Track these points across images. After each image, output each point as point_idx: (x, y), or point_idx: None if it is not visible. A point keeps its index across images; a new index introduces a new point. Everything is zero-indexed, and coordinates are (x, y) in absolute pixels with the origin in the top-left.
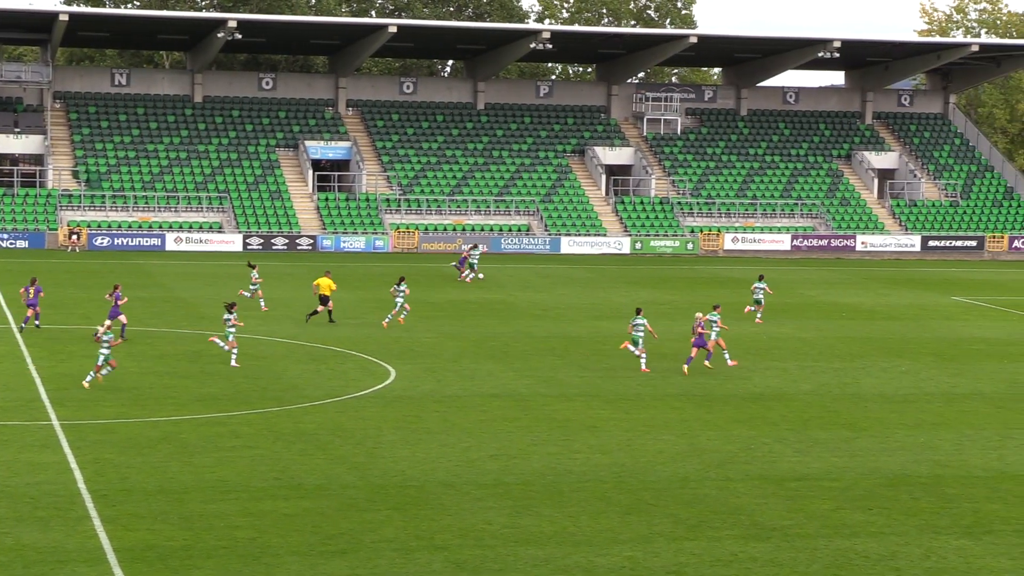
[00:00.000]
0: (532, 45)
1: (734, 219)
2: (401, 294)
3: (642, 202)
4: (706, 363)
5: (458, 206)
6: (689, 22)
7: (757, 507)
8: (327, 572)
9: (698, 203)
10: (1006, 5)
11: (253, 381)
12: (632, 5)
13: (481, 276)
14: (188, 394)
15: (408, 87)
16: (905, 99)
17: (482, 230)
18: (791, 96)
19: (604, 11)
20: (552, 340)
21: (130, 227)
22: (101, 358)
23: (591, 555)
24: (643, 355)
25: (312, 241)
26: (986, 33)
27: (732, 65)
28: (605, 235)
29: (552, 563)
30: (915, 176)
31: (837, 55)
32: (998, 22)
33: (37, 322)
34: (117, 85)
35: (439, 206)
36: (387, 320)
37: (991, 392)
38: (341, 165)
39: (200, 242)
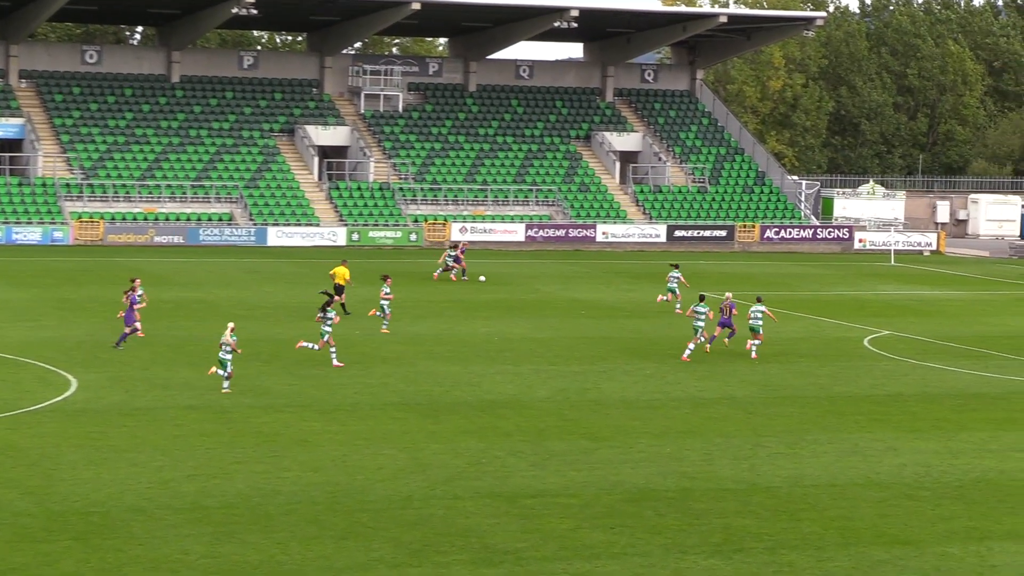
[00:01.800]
0: (234, 10)
1: (462, 207)
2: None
3: (359, 188)
4: (727, 341)
5: (150, 192)
6: None
7: (488, 528)
8: None
9: (422, 189)
10: None
11: None
12: None
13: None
14: None
15: (91, 56)
16: (649, 75)
17: (177, 219)
18: (525, 70)
19: None
20: (258, 343)
21: None
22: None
23: None
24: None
25: None
26: (735, 4)
27: (459, 35)
28: (318, 225)
29: None
30: (660, 159)
31: (575, 25)
32: None
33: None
34: None
35: (128, 192)
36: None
37: (742, 396)
38: (13, 145)
39: None
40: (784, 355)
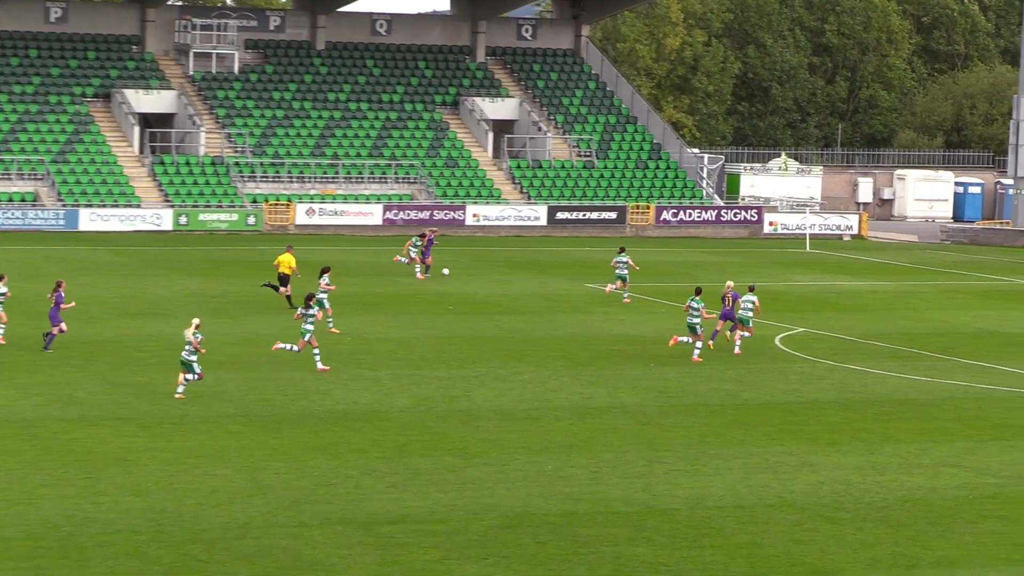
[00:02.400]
0: None
1: (309, 185)
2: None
3: (188, 163)
4: (729, 334)
5: None
6: None
7: (340, 561)
8: None
9: (262, 164)
10: None
11: None
12: None
13: (413, 266)
14: None
15: None
16: (527, 31)
17: None
18: (382, 25)
19: None
20: (71, 346)
21: None
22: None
23: None
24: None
25: None
26: None
27: None
28: (139, 206)
29: None
30: (540, 130)
31: None
32: None
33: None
34: None
35: None
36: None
37: (634, 405)
38: None
39: None
40: (683, 357)
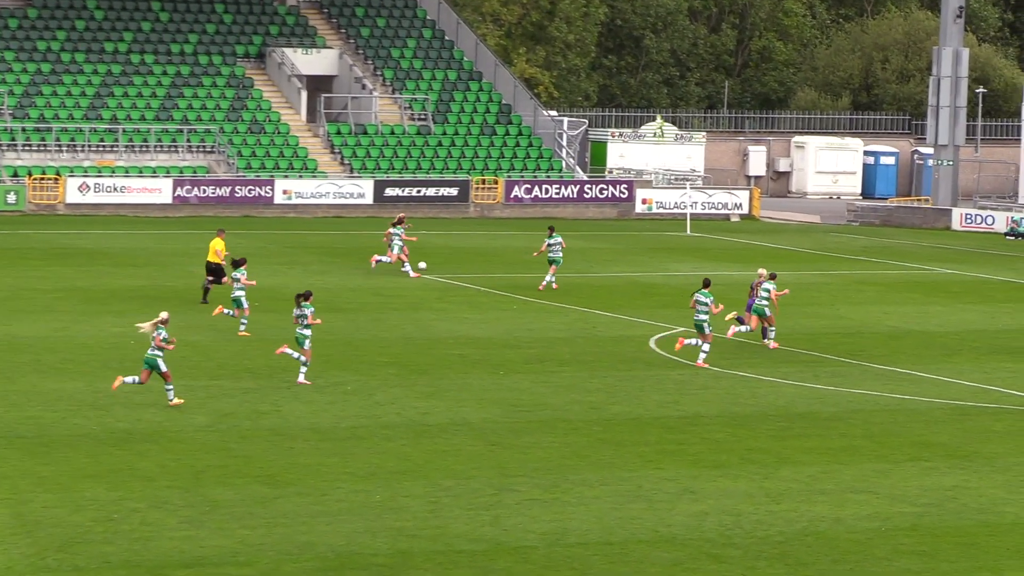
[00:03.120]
0: None
1: (82, 156)
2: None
3: None
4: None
5: None
6: None
7: None
8: None
9: (24, 131)
10: None
11: None
12: None
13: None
14: None
15: None
16: None
17: None
18: None
19: None
20: None
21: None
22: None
23: None
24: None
25: None
26: None
27: None
28: None
29: None
30: (364, 88)
31: None
32: None
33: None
34: None
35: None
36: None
37: (481, 421)
38: None
39: None
40: (540, 362)
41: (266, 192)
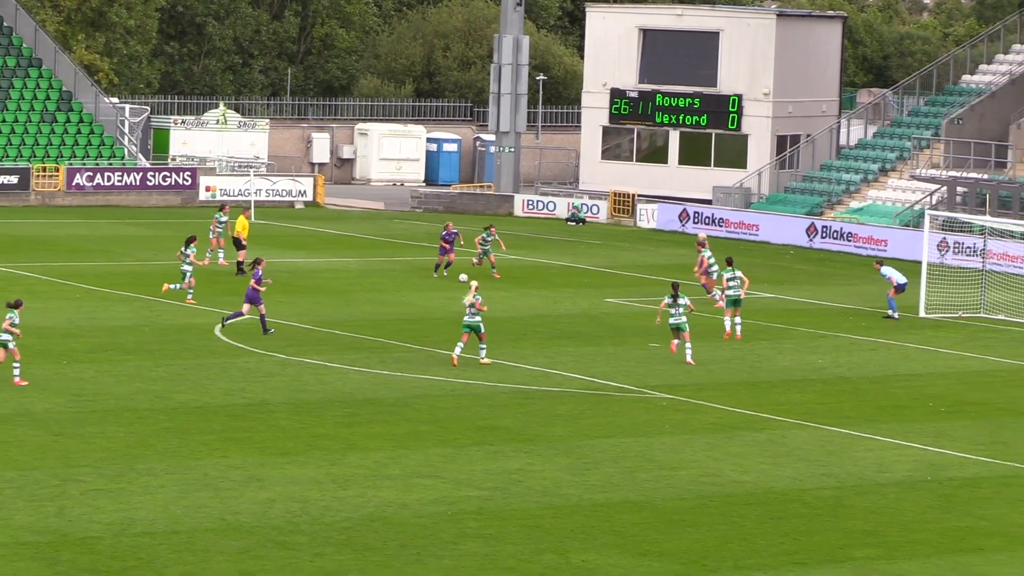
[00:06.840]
0: None
1: None
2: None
3: None
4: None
5: None
6: None
7: None
8: None
9: None
10: None
11: None
12: None
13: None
14: None
15: None
16: None
17: None
18: None
19: None
20: None
21: None
22: None
23: None
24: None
25: None
26: None
27: None
28: None
29: None
30: None
31: None
32: None
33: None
34: None
35: None
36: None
37: (44, 411)
38: None
39: None
40: (104, 351)
41: None
